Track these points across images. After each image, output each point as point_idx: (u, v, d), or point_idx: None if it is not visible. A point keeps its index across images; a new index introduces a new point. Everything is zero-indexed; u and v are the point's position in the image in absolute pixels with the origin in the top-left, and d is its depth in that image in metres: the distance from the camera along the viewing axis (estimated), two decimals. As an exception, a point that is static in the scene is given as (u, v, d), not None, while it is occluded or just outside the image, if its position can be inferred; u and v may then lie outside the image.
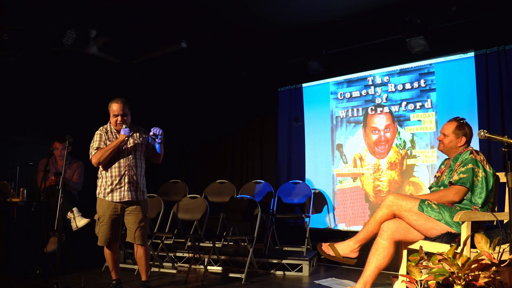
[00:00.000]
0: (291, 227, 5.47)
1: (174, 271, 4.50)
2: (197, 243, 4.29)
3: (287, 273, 4.38)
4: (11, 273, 4.14)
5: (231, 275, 4.22)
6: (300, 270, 4.34)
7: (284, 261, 4.41)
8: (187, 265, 4.31)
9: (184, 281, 4.03)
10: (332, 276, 4.19)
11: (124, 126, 3.34)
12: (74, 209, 4.19)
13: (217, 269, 4.51)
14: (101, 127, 3.46)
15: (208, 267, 4.44)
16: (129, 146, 3.39)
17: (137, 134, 3.49)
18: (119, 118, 3.37)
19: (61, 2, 4.18)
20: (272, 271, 4.43)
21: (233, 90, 6.05)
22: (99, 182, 3.43)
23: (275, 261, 4.44)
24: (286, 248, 5.04)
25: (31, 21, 4.44)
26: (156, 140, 3.45)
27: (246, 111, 6.07)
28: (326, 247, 2.80)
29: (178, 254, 4.77)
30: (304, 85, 5.64)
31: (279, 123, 5.80)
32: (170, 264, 4.66)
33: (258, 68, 5.83)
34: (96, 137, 3.40)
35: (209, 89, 6.34)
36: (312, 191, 5.05)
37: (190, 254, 4.61)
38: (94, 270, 4.41)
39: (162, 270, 4.56)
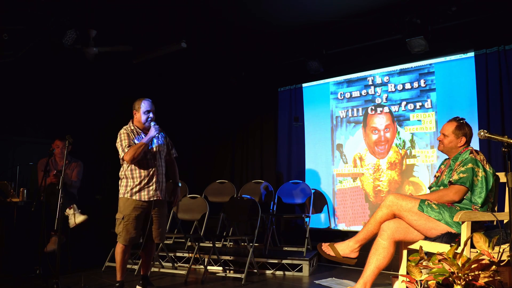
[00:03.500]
0: (291, 227, 5.47)
1: (174, 271, 4.50)
2: (197, 243, 4.29)
3: (287, 273, 4.38)
4: (11, 273, 4.13)
5: (231, 275, 4.22)
6: (300, 270, 4.34)
7: (284, 261, 4.41)
8: (187, 265, 4.31)
9: (184, 281, 4.03)
10: (332, 276, 4.19)
11: (153, 123, 3.43)
12: (74, 205, 4.18)
13: (217, 269, 4.50)
14: (124, 127, 3.49)
15: (208, 267, 4.44)
16: (155, 147, 3.48)
17: (160, 135, 3.58)
18: (151, 114, 3.46)
19: (61, 2, 4.19)
20: (272, 271, 4.43)
21: (233, 90, 6.05)
22: (123, 182, 3.43)
23: (275, 261, 4.44)
24: (286, 248, 5.04)
25: (31, 21, 4.43)
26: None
27: (246, 111, 6.07)
28: (326, 247, 2.80)
29: (178, 254, 4.77)
30: (304, 85, 5.64)
31: (279, 123, 5.80)
32: (170, 264, 4.66)
33: (258, 68, 5.83)
34: (124, 136, 3.41)
35: (209, 89, 6.34)
36: (312, 191, 5.05)
37: (190, 254, 4.61)
38: (94, 270, 4.41)
39: (162, 270, 4.56)
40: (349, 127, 5.24)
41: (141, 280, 3.56)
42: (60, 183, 3.37)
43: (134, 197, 3.36)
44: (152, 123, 3.42)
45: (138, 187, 3.37)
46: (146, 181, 3.38)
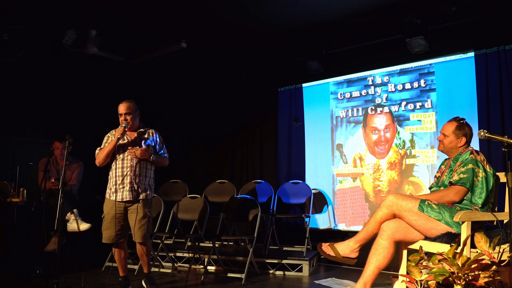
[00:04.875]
0: (291, 227, 5.47)
1: (174, 271, 4.50)
2: (197, 243, 4.29)
3: (287, 273, 4.38)
4: (11, 273, 4.14)
5: (231, 275, 4.22)
6: (300, 270, 4.34)
7: (284, 261, 4.41)
8: (187, 265, 4.31)
9: (184, 281, 4.03)
10: (332, 276, 4.19)
11: (123, 125, 3.45)
12: (75, 210, 4.18)
13: (217, 269, 4.51)
14: (112, 130, 3.60)
15: (208, 267, 4.44)
16: (128, 146, 3.48)
17: (145, 135, 3.60)
18: (123, 117, 3.49)
19: (61, 2, 4.18)
20: (272, 271, 4.43)
21: (233, 90, 6.05)
22: (108, 183, 3.54)
23: (275, 261, 4.44)
24: (286, 248, 5.04)
25: (31, 21, 4.43)
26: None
27: (246, 111, 6.07)
28: (326, 247, 2.80)
29: (178, 254, 4.77)
30: (304, 85, 5.64)
31: (279, 123, 5.80)
32: (170, 264, 4.66)
33: (258, 68, 5.83)
34: (104, 139, 3.58)
35: (209, 89, 6.34)
36: (312, 191, 5.05)
37: (190, 254, 4.62)
38: (94, 270, 4.41)
39: (162, 270, 4.56)
40: (349, 127, 5.24)
41: (143, 277, 3.61)
42: (60, 183, 3.37)
43: (111, 197, 3.46)
44: (123, 125, 3.46)
45: (114, 187, 3.45)
46: (120, 181, 3.43)
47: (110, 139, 3.55)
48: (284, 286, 3.88)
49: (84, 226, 4.15)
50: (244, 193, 5.19)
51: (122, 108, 3.50)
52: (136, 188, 3.44)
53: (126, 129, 3.46)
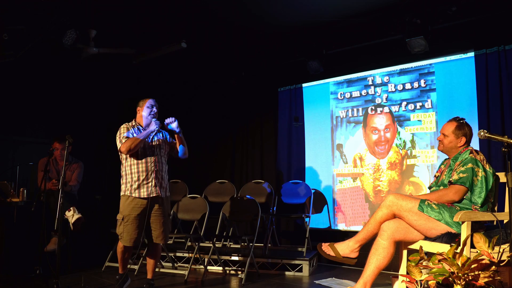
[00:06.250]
0: (291, 227, 5.47)
1: (174, 271, 4.50)
2: (197, 243, 4.29)
3: (287, 273, 4.38)
4: (11, 273, 4.14)
5: (231, 275, 4.22)
6: (300, 270, 4.34)
7: (284, 261, 4.41)
8: (187, 265, 4.31)
9: (184, 281, 4.03)
10: (332, 276, 4.19)
11: (154, 119, 3.47)
12: (72, 208, 4.17)
13: (217, 269, 4.51)
14: (125, 123, 3.51)
15: (208, 267, 4.44)
16: (154, 143, 3.47)
17: (161, 133, 3.60)
18: (154, 108, 3.51)
19: (61, 2, 4.18)
20: (272, 271, 4.43)
21: (233, 90, 6.05)
22: (123, 180, 3.42)
23: (275, 261, 4.44)
24: (286, 248, 5.04)
25: (31, 21, 4.43)
26: (174, 128, 3.47)
27: (246, 111, 6.07)
28: (326, 247, 2.80)
29: (178, 254, 4.77)
30: (304, 85, 5.64)
31: (279, 123, 5.80)
32: (170, 264, 4.67)
33: (258, 68, 5.83)
34: (123, 129, 3.43)
35: (209, 89, 6.34)
36: (312, 191, 5.05)
37: (190, 254, 4.62)
38: (94, 270, 4.41)
39: (162, 270, 4.56)
40: (349, 127, 5.24)
41: (145, 284, 3.52)
42: (60, 183, 3.36)
43: (134, 194, 3.32)
44: (154, 119, 3.45)
45: (137, 183, 3.32)
46: (144, 176, 3.33)
47: (132, 131, 3.42)
48: (284, 286, 3.88)
49: (74, 218, 4.12)
50: (244, 193, 5.19)
51: (154, 101, 3.54)
52: (160, 184, 3.39)
53: (159, 124, 3.46)
